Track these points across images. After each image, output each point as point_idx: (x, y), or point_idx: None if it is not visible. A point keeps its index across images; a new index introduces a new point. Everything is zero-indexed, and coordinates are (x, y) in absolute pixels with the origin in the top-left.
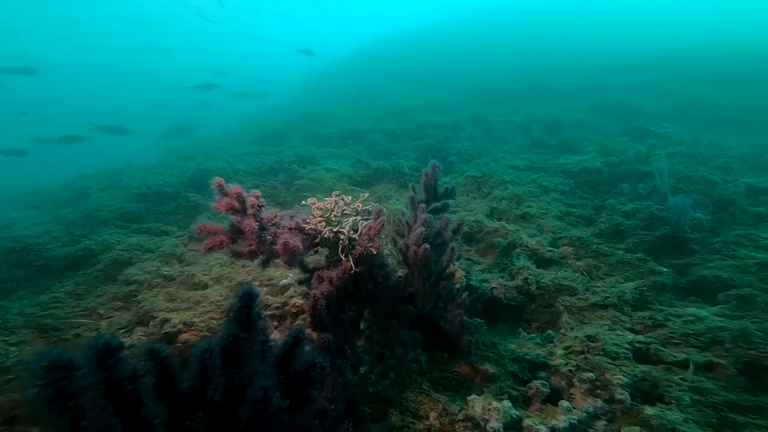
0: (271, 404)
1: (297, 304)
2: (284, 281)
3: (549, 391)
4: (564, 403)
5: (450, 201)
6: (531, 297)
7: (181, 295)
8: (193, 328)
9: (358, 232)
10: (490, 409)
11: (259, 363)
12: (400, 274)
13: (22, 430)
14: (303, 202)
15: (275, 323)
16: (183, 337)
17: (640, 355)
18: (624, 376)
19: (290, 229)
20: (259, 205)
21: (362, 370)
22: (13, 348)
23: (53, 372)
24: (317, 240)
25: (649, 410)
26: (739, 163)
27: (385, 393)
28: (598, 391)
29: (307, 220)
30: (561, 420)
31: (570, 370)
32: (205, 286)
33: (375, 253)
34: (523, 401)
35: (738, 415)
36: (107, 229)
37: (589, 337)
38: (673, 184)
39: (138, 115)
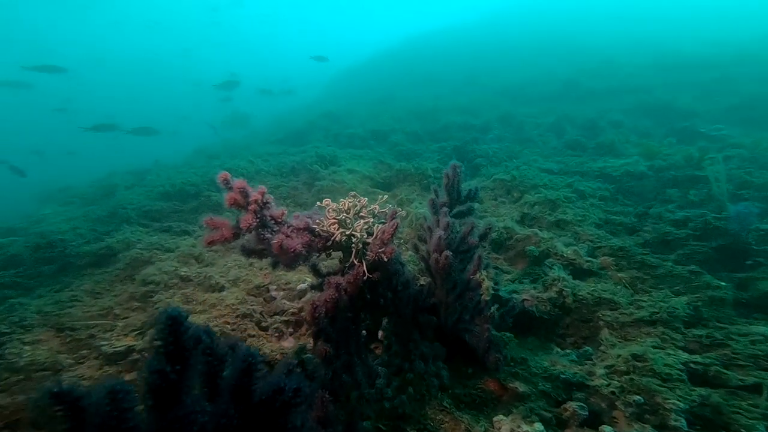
0: None
1: None
2: (302, 285)
3: (587, 414)
4: (606, 428)
5: (475, 204)
6: (566, 310)
7: (197, 297)
8: None
9: (374, 236)
10: None
11: (202, 399)
12: (422, 282)
13: None
14: (318, 203)
15: (291, 329)
16: None
17: (698, 378)
18: (679, 400)
19: (298, 229)
20: (263, 201)
21: (379, 383)
22: (26, 347)
23: None
24: (329, 243)
25: None
26: None
27: (402, 409)
28: (647, 416)
29: (318, 221)
30: None
31: (613, 392)
32: (221, 289)
33: (386, 259)
34: (556, 424)
35: None
36: (130, 227)
37: (634, 356)
38: (732, 190)
39: (165, 115)
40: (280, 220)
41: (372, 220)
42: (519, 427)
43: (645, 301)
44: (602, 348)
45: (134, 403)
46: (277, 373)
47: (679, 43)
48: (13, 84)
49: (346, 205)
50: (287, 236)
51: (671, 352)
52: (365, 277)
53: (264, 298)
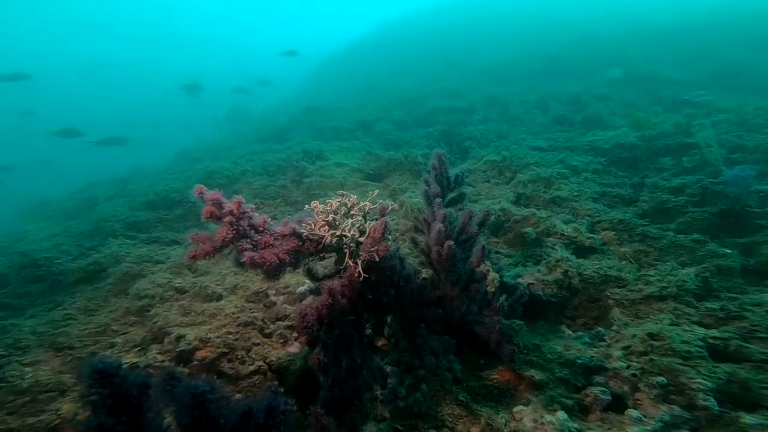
0: None
1: None
2: (301, 288)
3: (610, 398)
4: (632, 411)
5: (466, 188)
6: (573, 291)
7: (195, 308)
8: (209, 344)
9: (366, 235)
10: (542, 423)
11: None
12: (424, 275)
13: None
14: (306, 206)
15: (295, 334)
16: (199, 354)
17: (718, 353)
18: (705, 379)
19: (283, 235)
20: (239, 212)
21: (391, 382)
22: (27, 369)
23: None
24: (321, 246)
25: (748, 418)
26: None
27: (418, 407)
28: (673, 397)
29: (305, 225)
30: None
31: (634, 374)
32: (219, 298)
33: (378, 258)
34: (579, 411)
35: None
36: (116, 240)
37: (651, 335)
38: (725, 154)
39: (134, 121)
40: (262, 228)
41: (361, 218)
42: (542, 417)
43: (652, 276)
44: (615, 328)
45: None
46: (259, 396)
47: (657, 13)
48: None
49: (334, 205)
50: (270, 245)
51: (687, 328)
52: (361, 278)
53: (264, 304)
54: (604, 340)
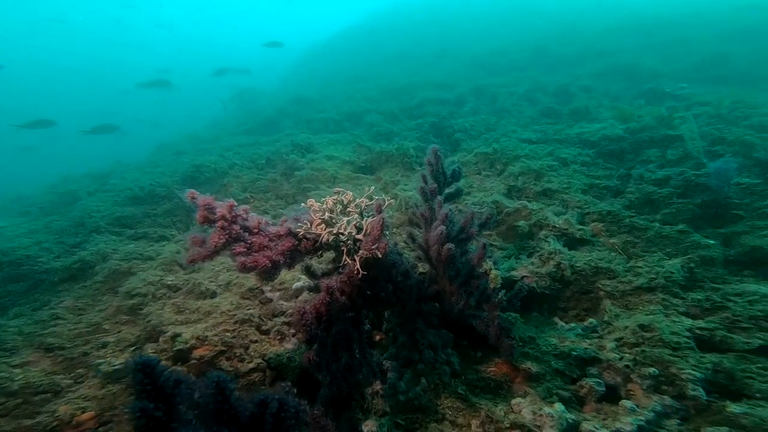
0: None
1: None
2: (297, 284)
3: (604, 389)
4: (626, 402)
5: (461, 182)
6: (566, 283)
7: (190, 306)
8: (206, 342)
9: (363, 232)
10: (541, 415)
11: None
12: (420, 269)
13: None
14: (303, 204)
15: (292, 331)
16: (197, 353)
17: (705, 344)
18: (694, 369)
19: (279, 235)
20: (231, 216)
21: (391, 377)
22: (17, 370)
23: None
24: (318, 244)
25: (734, 407)
26: None
27: (418, 401)
28: (664, 387)
29: (301, 225)
30: (626, 422)
31: (627, 365)
32: (213, 295)
33: (380, 255)
34: (575, 402)
35: None
36: (101, 236)
37: (642, 327)
38: (706, 147)
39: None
40: (257, 230)
41: (358, 215)
42: (540, 409)
43: (641, 267)
44: (606, 319)
45: None
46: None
47: (641, 4)
48: None
49: (330, 203)
50: (264, 246)
51: (675, 319)
52: (360, 275)
53: (260, 301)
54: (597, 332)
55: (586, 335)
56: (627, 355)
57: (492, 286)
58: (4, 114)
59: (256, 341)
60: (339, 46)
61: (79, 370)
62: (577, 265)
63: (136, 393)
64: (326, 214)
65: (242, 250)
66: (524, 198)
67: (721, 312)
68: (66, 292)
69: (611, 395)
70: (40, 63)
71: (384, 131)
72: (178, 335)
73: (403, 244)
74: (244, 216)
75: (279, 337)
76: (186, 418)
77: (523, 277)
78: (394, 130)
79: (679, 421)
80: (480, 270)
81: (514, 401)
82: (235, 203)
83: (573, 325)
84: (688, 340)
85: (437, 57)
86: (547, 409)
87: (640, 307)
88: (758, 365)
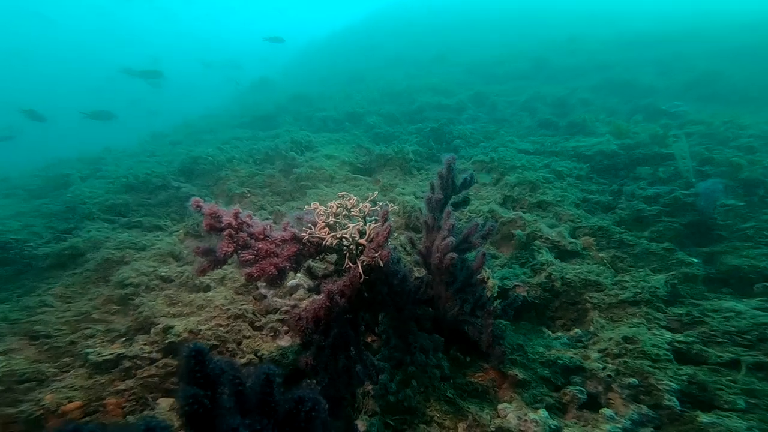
0: None
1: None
2: (292, 282)
3: (586, 397)
4: (606, 410)
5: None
6: (555, 293)
7: (183, 299)
8: (199, 336)
9: (366, 237)
10: (526, 420)
11: (236, 415)
12: (416, 273)
13: None
14: (306, 206)
15: (285, 328)
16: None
17: (682, 356)
18: (670, 380)
19: (283, 240)
20: (237, 224)
21: (382, 378)
22: (0, 357)
23: None
24: (321, 247)
25: (704, 417)
26: (761, 142)
27: (408, 403)
28: (642, 397)
29: (305, 229)
30: (604, 429)
31: (609, 375)
32: (207, 288)
33: (382, 263)
34: (558, 409)
35: None
36: (93, 223)
37: (626, 339)
38: (696, 166)
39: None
40: (262, 236)
41: (361, 223)
42: (525, 415)
43: (627, 281)
44: (592, 330)
45: None
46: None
47: (638, 19)
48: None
49: (335, 207)
50: (271, 252)
51: (657, 332)
52: (362, 279)
53: (254, 297)
54: (582, 342)
55: (572, 345)
56: (610, 365)
57: (489, 294)
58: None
59: (249, 337)
60: (339, 44)
61: (66, 359)
62: (567, 276)
63: (187, 378)
64: (330, 218)
65: (250, 257)
66: (519, 209)
67: (699, 326)
68: (55, 278)
69: (592, 403)
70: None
71: (384, 133)
72: (171, 328)
73: (401, 248)
74: (249, 222)
75: (272, 334)
76: (226, 406)
77: (515, 286)
78: (394, 133)
79: (652, 429)
80: (477, 277)
81: (500, 406)
82: (240, 210)
83: (560, 334)
84: (668, 353)
85: (437, 62)
86: (531, 415)
87: (625, 320)
88: (728, 378)
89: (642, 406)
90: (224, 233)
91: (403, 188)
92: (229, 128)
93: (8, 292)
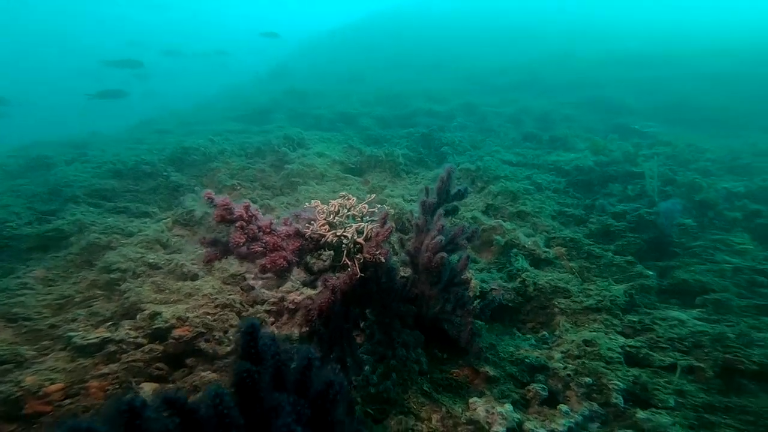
0: None
1: (295, 300)
2: None
3: (547, 394)
4: (562, 406)
5: (459, 203)
6: (527, 298)
7: (170, 286)
8: (187, 323)
9: (364, 236)
10: (493, 413)
11: (278, 392)
12: (402, 273)
13: None
14: (306, 204)
15: (272, 319)
16: (177, 332)
17: (631, 359)
18: (619, 381)
19: (288, 235)
20: (248, 216)
21: (365, 370)
22: None
23: None
24: (321, 243)
25: (640, 414)
26: (716, 166)
27: (387, 394)
28: (594, 395)
29: (308, 225)
30: (560, 423)
31: (568, 374)
32: (195, 277)
33: (384, 260)
34: (522, 404)
35: (712, 415)
36: (78, 207)
37: (586, 342)
38: (660, 186)
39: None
40: (268, 230)
41: (362, 223)
42: (493, 408)
43: (592, 290)
44: (557, 333)
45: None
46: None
47: (622, 39)
48: None
49: (336, 206)
50: (278, 246)
51: (612, 337)
52: (358, 276)
53: (241, 287)
54: (547, 344)
55: (539, 346)
56: (570, 365)
57: (471, 294)
58: None
59: (236, 326)
60: (336, 42)
61: (45, 342)
62: (539, 283)
63: (241, 353)
64: (331, 216)
65: (260, 249)
66: (500, 217)
67: (648, 333)
68: (36, 261)
69: (552, 399)
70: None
71: (375, 136)
72: (158, 314)
73: (389, 248)
74: (257, 216)
75: None
76: (267, 380)
77: (491, 289)
78: (385, 136)
79: (599, 424)
80: (462, 278)
81: (471, 400)
82: (251, 203)
83: (528, 336)
84: (620, 356)
85: (432, 68)
86: (498, 409)
87: (587, 325)
88: (665, 379)
89: (593, 403)
90: (237, 224)
91: (392, 190)
92: (222, 120)
93: None
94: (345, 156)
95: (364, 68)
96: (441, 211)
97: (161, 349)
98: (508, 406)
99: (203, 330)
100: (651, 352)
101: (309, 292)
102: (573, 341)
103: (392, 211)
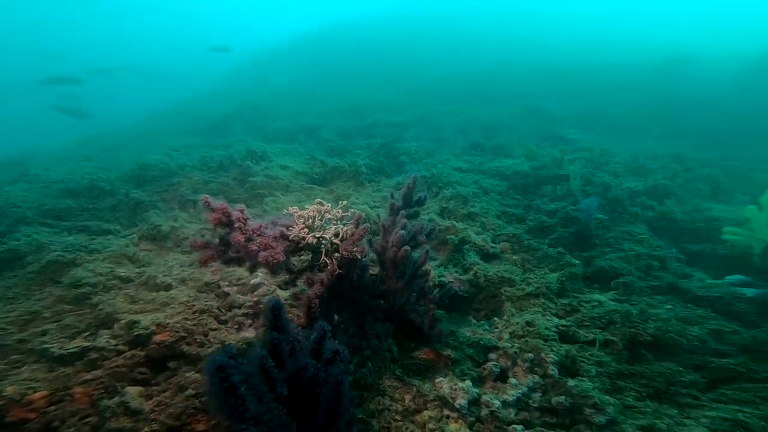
0: (346, 387)
1: None
2: (254, 280)
3: (499, 370)
4: (512, 380)
5: (420, 208)
6: (479, 288)
7: (144, 297)
8: (167, 328)
9: (339, 237)
10: (456, 389)
11: (300, 356)
12: (372, 272)
13: None
14: (285, 210)
15: (250, 321)
16: (158, 338)
17: (564, 336)
18: (554, 355)
19: (275, 237)
20: (244, 218)
21: None
22: None
23: None
24: (301, 245)
25: (571, 382)
26: (622, 168)
27: (364, 381)
28: (536, 369)
29: (291, 228)
30: (510, 394)
31: (515, 352)
32: (168, 287)
33: (360, 257)
34: (479, 380)
35: (621, 381)
36: (30, 227)
37: (527, 323)
38: (581, 186)
39: None
40: (258, 233)
41: (339, 225)
42: (456, 385)
43: (532, 278)
44: (505, 317)
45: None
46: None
47: (555, 53)
48: None
49: (314, 211)
50: (270, 246)
51: (548, 318)
52: (336, 273)
53: (216, 294)
54: (498, 327)
55: (491, 330)
56: (516, 344)
57: (430, 284)
58: None
59: (215, 329)
60: (290, 55)
61: (14, 357)
62: (489, 274)
63: (269, 325)
64: (309, 220)
65: (255, 248)
66: (453, 218)
67: (576, 314)
68: None
69: (503, 375)
70: None
71: (337, 147)
72: (136, 322)
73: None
74: (249, 220)
75: (236, 326)
76: (285, 348)
77: (450, 282)
78: (346, 147)
79: (540, 393)
80: (423, 269)
81: (437, 380)
82: (245, 208)
83: (482, 321)
84: (554, 334)
85: (387, 80)
86: (460, 384)
87: (528, 309)
88: (588, 353)
89: (535, 375)
90: (236, 226)
91: (357, 198)
92: (177, 135)
93: None
94: (308, 167)
95: (319, 81)
96: (404, 212)
97: (143, 354)
98: (468, 383)
99: (184, 334)
100: (578, 330)
101: (282, 294)
102: (518, 323)
103: (364, 215)
